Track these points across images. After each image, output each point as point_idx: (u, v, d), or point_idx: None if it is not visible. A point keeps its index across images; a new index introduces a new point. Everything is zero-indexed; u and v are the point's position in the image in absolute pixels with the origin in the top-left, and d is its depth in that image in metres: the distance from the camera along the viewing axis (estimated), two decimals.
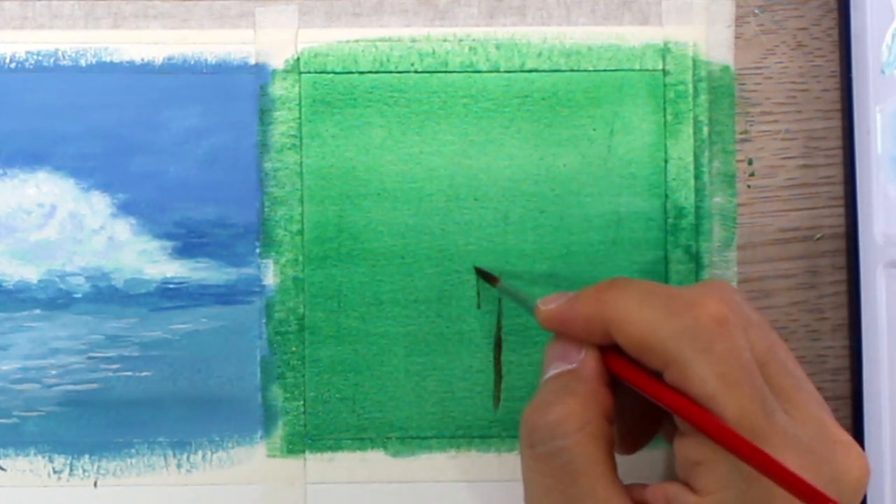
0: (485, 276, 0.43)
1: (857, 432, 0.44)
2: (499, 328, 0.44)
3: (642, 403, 0.35)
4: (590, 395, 0.34)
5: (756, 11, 0.45)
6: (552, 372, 0.35)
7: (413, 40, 0.44)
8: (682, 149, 0.44)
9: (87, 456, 0.43)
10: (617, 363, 0.34)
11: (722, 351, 0.32)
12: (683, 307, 0.33)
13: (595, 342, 0.35)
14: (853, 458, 0.33)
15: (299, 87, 0.44)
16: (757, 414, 0.31)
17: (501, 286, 0.42)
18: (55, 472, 0.43)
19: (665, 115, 0.44)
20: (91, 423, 0.43)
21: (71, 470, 0.43)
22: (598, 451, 0.33)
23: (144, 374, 0.43)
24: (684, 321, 0.32)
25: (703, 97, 0.44)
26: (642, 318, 0.33)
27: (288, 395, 0.44)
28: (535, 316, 0.37)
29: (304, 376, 0.44)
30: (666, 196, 0.44)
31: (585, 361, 0.35)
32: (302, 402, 0.44)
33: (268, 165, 0.44)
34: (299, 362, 0.44)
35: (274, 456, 0.44)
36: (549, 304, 0.36)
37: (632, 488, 0.34)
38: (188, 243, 0.44)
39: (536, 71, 0.44)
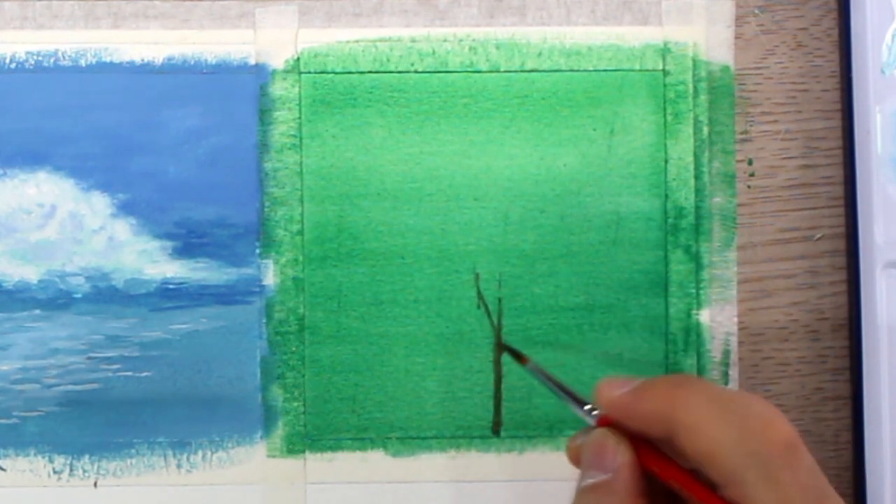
0: (514, 353, 0.42)
1: (857, 432, 0.44)
2: (499, 328, 0.44)
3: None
4: None
5: (756, 11, 0.45)
6: (587, 482, 0.34)
7: (413, 40, 0.44)
8: (682, 149, 0.44)
9: (87, 456, 0.43)
10: (665, 469, 0.34)
11: (787, 479, 0.31)
12: (756, 427, 0.32)
13: (650, 436, 0.34)
14: None
15: (299, 87, 0.44)
16: None
17: (531, 366, 0.40)
18: (55, 472, 0.43)
19: (665, 115, 0.44)
20: (91, 423, 0.43)
21: (71, 470, 0.43)
22: None
23: (144, 374, 0.43)
24: (755, 444, 0.32)
25: (703, 97, 0.44)
26: (713, 432, 0.32)
27: (288, 395, 0.44)
28: (576, 407, 0.36)
29: (304, 376, 0.44)
30: (666, 196, 0.44)
31: (620, 472, 0.34)
32: (302, 402, 0.44)
33: (268, 165, 0.44)
34: (299, 362, 0.44)
35: (274, 456, 0.44)
36: (613, 389, 0.35)
37: None
38: (188, 243, 0.44)
39: (536, 71, 0.44)
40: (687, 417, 0.32)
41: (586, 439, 0.35)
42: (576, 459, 0.36)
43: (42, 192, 0.44)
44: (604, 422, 0.35)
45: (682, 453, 0.33)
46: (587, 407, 0.36)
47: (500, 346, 0.43)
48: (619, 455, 0.34)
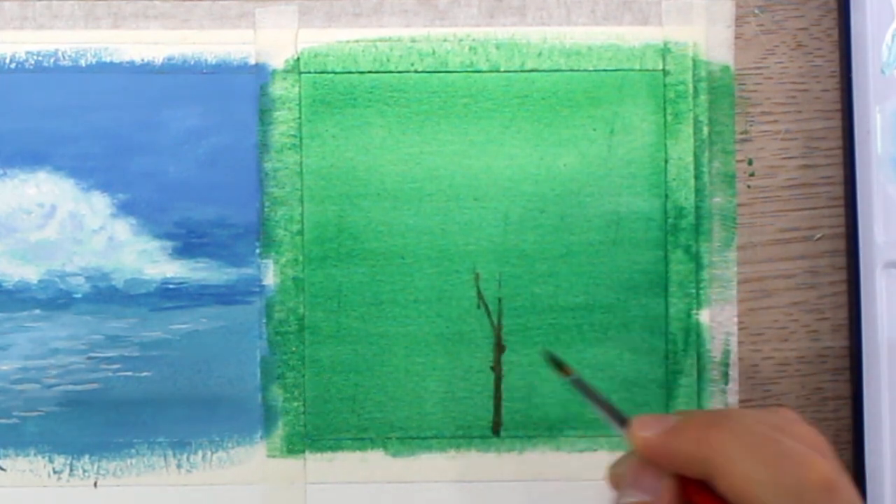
0: (557, 364, 0.38)
1: (857, 432, 0.44)
2: (499, 328, 0.44)
3: None
4: None
5: (756, 11, 0.45)
6: (625, 501, 0.34)
7: (413, 40, 0.44)
8: (682, 149, 0.44)
9: (87, 456, 0.43)
10: (705, 501, 0.33)
11: None
12: (792, 468, 0.31)
13: (688, 476, 0.33)
14: None
15: (299, 87, 0.44)
16: None
17: (573, 379, 0.37)
18: (55, 472, 0.43)
19: (665, 115, 0.44)
20: (91, 423, 0.43)
21: (71, 470, 0.43)
22: None
23: (144, 374, 0.43)
24: (792, 485, 0.31)
25: (703, 97, 0.44)
26: (749, 473, 0.31)
27: (288, 395, 0.44)
28: (617, 427, 0.35)
29: (304, 376, 0.44)
30: (666, 196, 0.44)
31: (662, 496, 0.33)
32: (302, 402, 0.44)
33: (268, 165, 0.44)
34: (299, 362, 0.44)
35: (274, 456, 0.44)
36: (646, 429, 0.34)
37: None
38: (188, 243, 0.44)
39: (536, 71, 0.44)
40: (722, 459, 0.32)
41: (631, 466, 0.34)
42: (617, 485, 0.35)
43: (42, 192, 0.44)
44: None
45: (720, 493, 0.32)
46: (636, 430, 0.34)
47: (549, 357, 0.39)
48: (663, 478, 0.33)
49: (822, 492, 0.31)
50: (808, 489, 0.31)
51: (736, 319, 0.44)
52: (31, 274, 0.43)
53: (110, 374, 0.43)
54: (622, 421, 0.35)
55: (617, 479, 0.35)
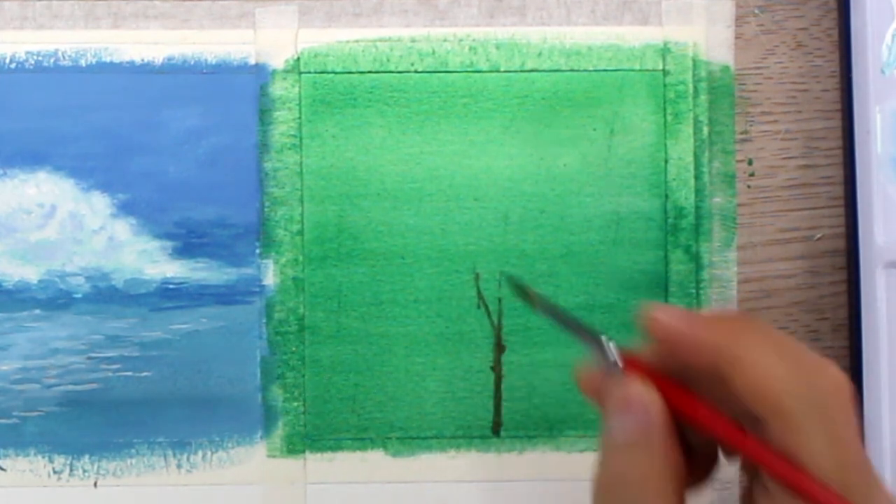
0: (522, 290, 0.37)
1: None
2: (499, 328, 0.44)
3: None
4: (663, 464, 0.33)
5: (756, 11, 0.45)
6: (616, 426, 0.33)
7: (413, 40, 0.44)
8: (682, 149, 0.44)
9: (87, 456, 0.43)
10: (704, 415, 0.33)
11: (841, 421, 0.31)
12: (811, 368, 0.32)
13: (696, 366, 0.33)
14: None
15: (299, 87, 0.44)
16: (860, 486, 0.31)
17: (542, 304, 0.36)
18: (55, 472, 0.43)
19: (665, 115, 0.44)
20: (91, 423, 0.43)
21: (71, 470, 0.43)
22: None
23: (144, 374, 0.43)
24: (809, 384, 0.32)
25: (703, 97, 0.44)
26: (770, 368, 0.32)
27: (288, 395, 0.44)
28: (592, 345, 0.33)
29: (304, 376, 0.44)
30: (666, 196, 0.44)
31: (653, 417, 0.33)
32: (302, 402, 0.44)
33: (268, 165, 0.44)
34: (299, 362, 0.44)
35: (274, 456, 0.44)
36: (668, 316, 0.33)
37: None
38: (188, 243, 0.44)
39: (536, 71, 0.44)
40: (746, 351, 0.32)
41: (614, 386, 0.33)
42: (590, 390, 0.34)
43: (42, 192, 0.44)
44: (630, 364, 0.33)
45: (723, 390, 0.32)
46: (611, 345, 0.33)
47: (515, 286, 0.38)
48: (654, 410, 0.33)
49: (836, 396, 0.32)
50: (823, 390, 0.32)
51: None
52: (31, 274, 0.43)
53: (110, 374, 0.43)
54: (595, 338, 0.33)
55: (589, 383, 0.34)
